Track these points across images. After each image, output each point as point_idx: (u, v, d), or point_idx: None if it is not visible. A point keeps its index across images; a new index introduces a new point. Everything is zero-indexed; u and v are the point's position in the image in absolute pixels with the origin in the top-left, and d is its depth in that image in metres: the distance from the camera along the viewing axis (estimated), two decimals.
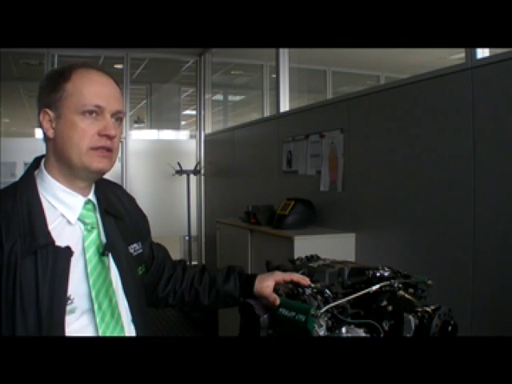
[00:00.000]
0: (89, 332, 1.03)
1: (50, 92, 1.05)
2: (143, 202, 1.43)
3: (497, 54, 1.81)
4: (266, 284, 1.20)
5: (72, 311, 1.00)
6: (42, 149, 1.12)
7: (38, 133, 5.06)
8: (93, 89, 1.04)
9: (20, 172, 1.15)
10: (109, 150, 1.06)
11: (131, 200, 1.29)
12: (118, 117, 1.07)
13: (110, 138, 1.05)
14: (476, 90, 1.88)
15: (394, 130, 2.35)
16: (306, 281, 1.17)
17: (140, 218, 1.29)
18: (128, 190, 1.35)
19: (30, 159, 1.13)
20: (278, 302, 1.12)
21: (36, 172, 1.09)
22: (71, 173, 1.06)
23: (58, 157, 1.06)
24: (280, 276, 1.21)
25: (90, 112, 1.03)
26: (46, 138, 1.09)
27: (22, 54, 5.11)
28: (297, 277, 1.19)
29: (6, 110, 7.63)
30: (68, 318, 0.99)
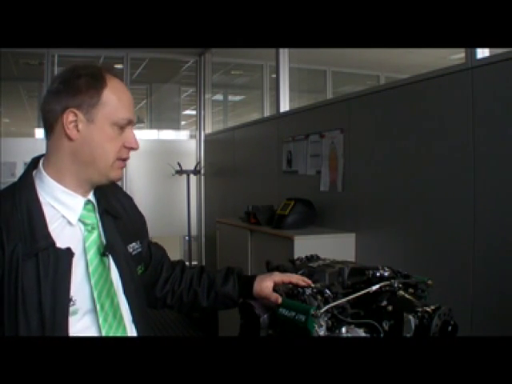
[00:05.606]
0: (92, 333, 1.03)
1: (82, 94, 1.02)
2: (143, 201, 1.44)
3: (497, 54, 1.81)
4: (265, 285, 1.20)
5: (74, 312, 1.00)
6: (42, 149, 1.10)
7: (38, 133, 5.06)
8: (126, 101, 1.07)
9: (20, 172, 1.15)
10: (126, 160, 1.10)
11: (129, 199, 1.29)
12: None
13: (132, 150, 1.09)
14: (476, 90, 1.88)
15: (393, 130, 2.35)
16: (305, 282, 1.16)
17: (138, 217, 1.29)
18: (128, 190, 1.35)
19: (29, 159, 1.12)
20: (279, 300, 1.12)
21: (34, 172, 1.07)
22: (87, 177, 1.06)
23: (77, 160, 1.04)
24: (279, 277, 1.21)
25: (123, 125, 1.06)
26: (50, 136, 1.06)
27: (22, 54, 5.10)
28: (296, 278, 1.18)
29: (6, 110, 7.63)
30: (70, 320, 0.99)
